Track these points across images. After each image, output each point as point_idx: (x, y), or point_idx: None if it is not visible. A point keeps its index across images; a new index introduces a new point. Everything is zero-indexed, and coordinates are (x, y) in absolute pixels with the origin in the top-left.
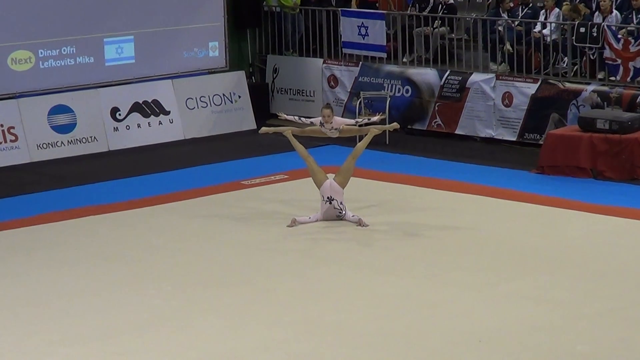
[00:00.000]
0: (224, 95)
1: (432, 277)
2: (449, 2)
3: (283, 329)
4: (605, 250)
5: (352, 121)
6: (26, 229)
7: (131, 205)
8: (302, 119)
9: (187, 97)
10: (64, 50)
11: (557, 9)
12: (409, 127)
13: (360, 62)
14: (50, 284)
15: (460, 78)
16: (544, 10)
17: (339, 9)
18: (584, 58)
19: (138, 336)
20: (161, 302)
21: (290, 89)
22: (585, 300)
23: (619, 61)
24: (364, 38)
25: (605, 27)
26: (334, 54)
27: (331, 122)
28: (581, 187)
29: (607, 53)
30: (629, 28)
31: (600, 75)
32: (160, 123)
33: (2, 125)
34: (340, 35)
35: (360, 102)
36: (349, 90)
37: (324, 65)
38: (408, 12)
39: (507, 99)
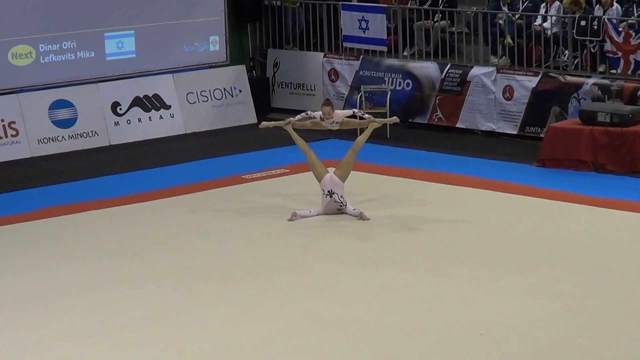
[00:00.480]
0: (224, 89)
1: (432, 270)
2: None
3: (283, 322)
4: (606, 243)
5: (351, 112)
6: (27, 224)
7: (132, 199)
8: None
9: (188, 91)
10: (65, 45)
11: (557, 2)
12: (409, 120)
13: (361, 56)
14: (50, 278)
15: (461, 71)
16: (544, 4)
17: (340, 2)
18: (585, 51)
19: (139, 331)
20: (162, 296)
21: (290, 83)
22: (586, 294)
23: (620, 54)
24: (364, 32)
25: (606, 20)
26: (334, 47)
27: (332, 117)
28: (582, 180)
29: (608, 46)
30: (629, 21)
31: (601, 68)
32: (161, 117)
33: (2, 120)
34: (341, 29)
35: (361, 96)
36: (349, 84)
37: (325, 59)
38: (408, 5)
39: (508, 92)
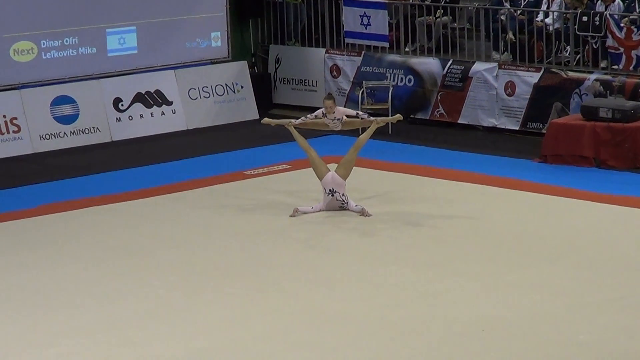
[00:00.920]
0: (226, 85)
1: (434, 266)
2: None
3: (285, 318)
4: (607, 239)
5: (354, 112)
6: (29, 220)
7: (134, 195)
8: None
9: (190, 87)
10: (67, 41)
11: None
12: (411, 116)
13: (363, 52)
14: (53, 274)
15: (462, 67)
16: None
17: None
18: (587, 47)
19: (142, 326)
20: (165, 292)
21: (292, 79)
22: (587, 289)
23: (622, 50)
24: (366, 28)
25: (607, 15)
26: (336, 43)
27: (334, 112)
28: (584, 176)
29: (610, 42)
30: (631, 17)
31: (602, 64)
32: (162, 113)
33: (4, 116)
34: (343, 25)
35: (362, 92)
36: (351, 80)
37: (327, 55)
38: (410, 1)
39: (510, 88)
